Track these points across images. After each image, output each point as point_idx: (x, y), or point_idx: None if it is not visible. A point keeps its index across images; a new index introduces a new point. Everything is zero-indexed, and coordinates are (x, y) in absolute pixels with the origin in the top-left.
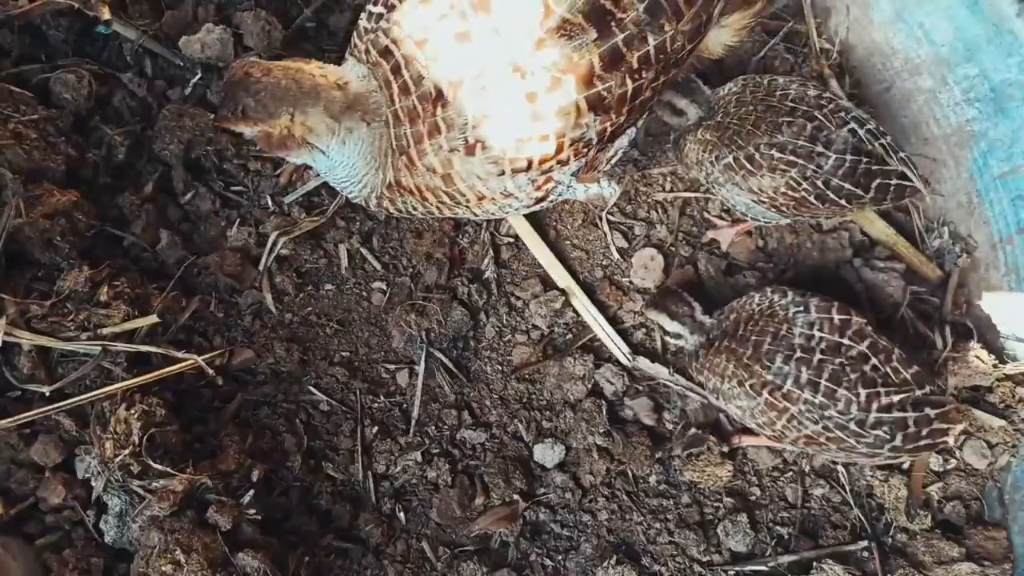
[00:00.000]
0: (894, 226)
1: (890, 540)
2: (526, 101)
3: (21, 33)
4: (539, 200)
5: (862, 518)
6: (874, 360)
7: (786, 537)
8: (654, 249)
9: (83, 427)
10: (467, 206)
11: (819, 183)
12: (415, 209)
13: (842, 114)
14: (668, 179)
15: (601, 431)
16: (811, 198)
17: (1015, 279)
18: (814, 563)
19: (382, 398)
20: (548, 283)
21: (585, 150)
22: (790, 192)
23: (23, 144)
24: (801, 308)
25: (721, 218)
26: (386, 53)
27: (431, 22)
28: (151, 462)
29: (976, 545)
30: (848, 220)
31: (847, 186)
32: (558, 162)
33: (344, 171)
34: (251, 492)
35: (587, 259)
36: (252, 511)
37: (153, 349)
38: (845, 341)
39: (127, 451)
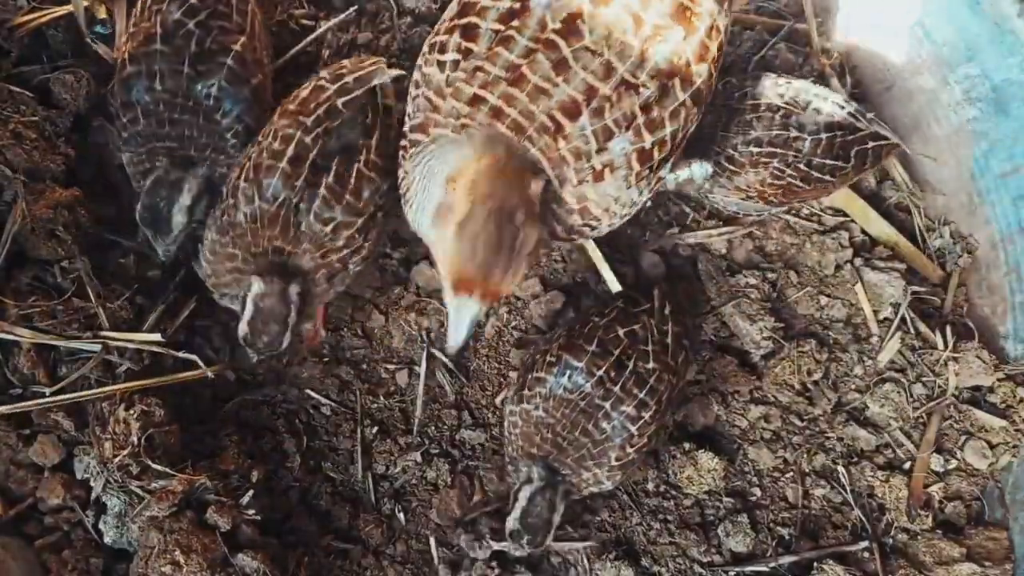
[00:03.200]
0: (895, 226)
1: (891, 540)
2: (642, 113)
3: (21, 34)
4: (646, 201)
5: (863, 518)
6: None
7: (787, 537)
8: (656, 256)
9: (82, 427)
10: (594, 229)
11: (802, 166)
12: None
13: (801, 95)
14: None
15: None
16: (797, 182)
17: (1016, 279)
18: (815, 563)
19: (382, 398)
20: (548, 283)
21: (684, 141)
22: (776, 182)
23: (23, 144)
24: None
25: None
26: (477, 100)
27: (520, 60)
28: (150, 462)
29: (977, 545)
30: (849, 219)
31: (828, 162)
32: (671, 159)
33: None
34: (251, 492)
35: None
36: (251, 511)
37: (154, 348)
38: None
39: (126, 451)
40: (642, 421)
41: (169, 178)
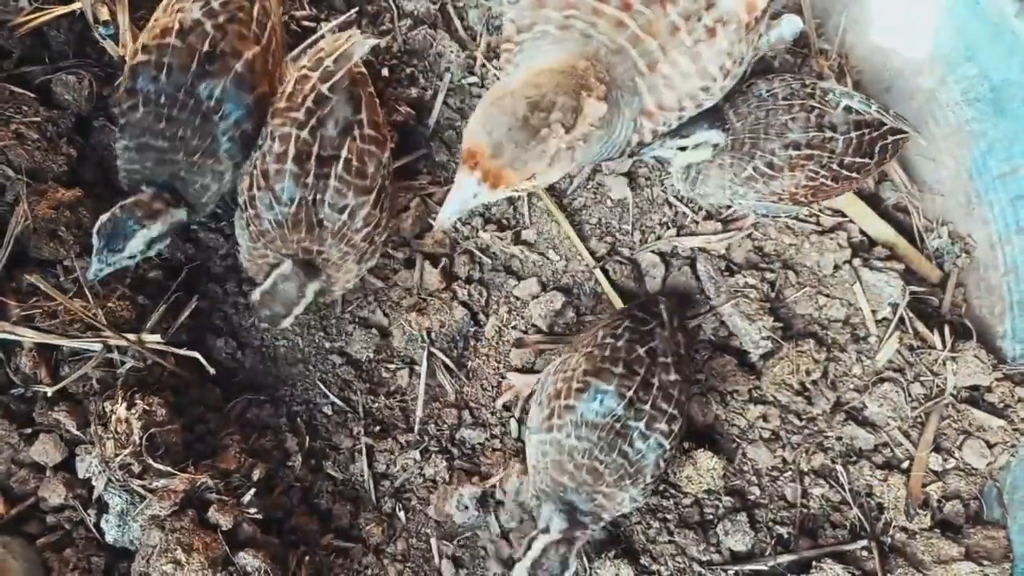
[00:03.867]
0: (894, 226)
1: (889, 539)
2: None
3: (23, 34)
4: (750, 62)
5: (861, 517)
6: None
7: (785, 536)
8: (656, 257)
9: (84, 426)
10: (709, 91)
11: (834, 166)
12: (669, 126)
13: (830, 95)
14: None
15: None
16: (828, 181)
17: (1014, 279)
18: (813, 562)
19: (383, 397)
20: (547, 283)
21: None
22: (809, 183)
23: (25, 145)
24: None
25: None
26: None
27: None
28: (152, 461)
29: (975, 545)
30: (847, 219)
31: (857, 160)
32: (768, 11)
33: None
34: (252, 491)
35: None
36: (253, 510)
37: (155, 347)
38: None
39: (128, 451)
40: (673, 434)
41: (152, 204)
